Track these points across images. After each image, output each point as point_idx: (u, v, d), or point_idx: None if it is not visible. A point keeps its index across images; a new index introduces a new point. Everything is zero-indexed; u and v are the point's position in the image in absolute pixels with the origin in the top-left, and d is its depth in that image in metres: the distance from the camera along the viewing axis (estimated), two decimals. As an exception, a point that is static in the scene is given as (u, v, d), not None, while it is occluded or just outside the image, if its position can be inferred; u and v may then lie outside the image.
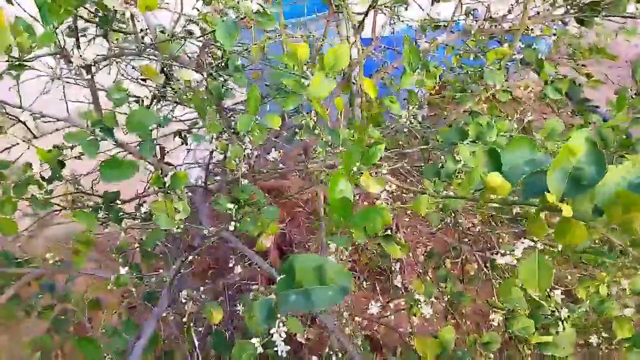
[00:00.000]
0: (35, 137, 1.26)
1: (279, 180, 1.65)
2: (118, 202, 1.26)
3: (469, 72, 1.65)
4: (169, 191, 1.15)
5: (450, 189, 1.04)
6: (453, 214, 1.26)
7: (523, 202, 0.76)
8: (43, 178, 1.52)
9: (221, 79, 1.33)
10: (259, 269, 1.60)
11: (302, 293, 0.58)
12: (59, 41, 1.09)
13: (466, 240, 1.33)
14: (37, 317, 1.89)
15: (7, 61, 0.87)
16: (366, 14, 0.89)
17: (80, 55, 1.07)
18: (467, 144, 1.09)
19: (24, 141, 1.21)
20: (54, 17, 0.93)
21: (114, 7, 0.93)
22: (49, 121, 1.36)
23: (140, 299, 1.32)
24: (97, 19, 1.14)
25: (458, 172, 1.05)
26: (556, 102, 2.24)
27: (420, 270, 1.47)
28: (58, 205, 1.28)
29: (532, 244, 1.19)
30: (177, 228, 0.94)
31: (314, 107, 1.17)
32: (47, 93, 1.53)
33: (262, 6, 0.92)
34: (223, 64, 1.61)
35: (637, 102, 1.46)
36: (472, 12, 2.01)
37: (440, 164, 1.28)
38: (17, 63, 0.90)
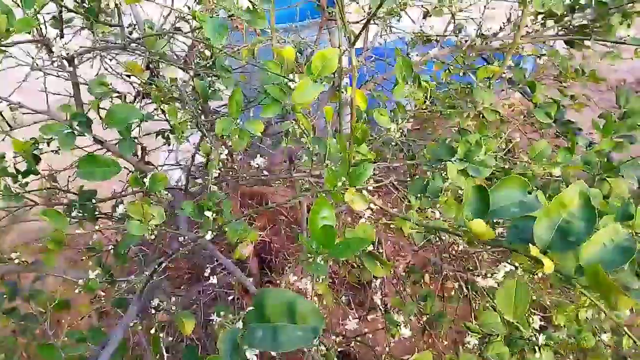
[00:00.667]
0: (11, 128, 1.21)
1: (263, 186, 1.62)
2: (94, 200, 1.21)
3: (457, 89, 1.64)
4: (147, 193, 1.11)
5: (435, 208, 1.03)
6: (436, 232, 1.24)
7: (506, 246, 0.75)
8: (18, 171, 1.46)
9: (208, 79, 1.29)
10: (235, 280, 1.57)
11: (270, 330, 0.55)
12: (41, 29, 1.05)
13: (448, 258, 1.32)
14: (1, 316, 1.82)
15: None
16: (364, 26, 0.87)
17: (64, 45, 1.03)
18: (455, 161, 1.08)
19: (0, 131, 1.15)
20: (34, 1, 0.89)
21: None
22: (27, 113, 1.30)
23: (110, 303, 1.27)
24: (82, 10, 1.10)
25: (444, 191, 1.03)
26: (541, 122, 2.26)
27: (400, 287, 1.45)
28: (30, 200, 1.22)
29: (512, 268, 1.18)
30: (150, 234, 0.90)
31: (297, 117, 1.14)
32: (25, 82, 1.48)
33: (252, 3, 0.90)
34: (211, 64, 1.58)
35: (620, 126, 1.48)
36: (462, 29, 2.02)
37: (426, 180, 1.27)
38: (-6, 49, 0.86)
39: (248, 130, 1.06)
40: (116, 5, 0.95)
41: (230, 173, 1.62)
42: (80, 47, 1.12)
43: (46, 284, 2.59)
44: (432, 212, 1.06)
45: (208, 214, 0.96)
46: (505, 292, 0.84)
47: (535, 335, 1.06)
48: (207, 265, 1.30)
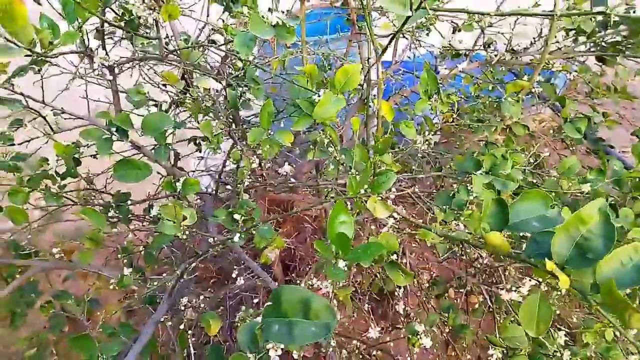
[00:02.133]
0: (54, 132, 1.28)
1: (290, 194, 1.65)
2: (129, 202, 1.27)
3: (485, 103, 1.65)
4: (179, 196, 1.15)
5: (460, 220, 1.03)
6: (461, 244, 1.24)
7: (525, 260, 0.75)
8: (57, 173, 1.54)
9: (240, 89, 1.34)
10: (261, 282, 1.60)
11: (286, 325, 0.58)
12: (84, 40, 1.11)
13: (472, 271, 1.32)
14: (38, 311, 1.90)
15: (28, 55, 0.88)
16: (392, 39, 0.89)
17: (105, 56, 1.09)
18: (481, 174, 1.08)
19: (44, 135, 1.22)
20: (77, 16, 0.95)
21: (137, 13, 0.95)
22: (69, 118, 1.37)
23: (140, 302, 1.32)
24: (122, 23, 1.16)
25: (469, 203, 1.04)
26: (571, 139, 2.23)
27: (424, 298, 1.45)
28: (70, 200, 1.28)
29: (536, 282, 1.17)
30: (182, 234, 0.94)
31: (325, 129, 1.17)
32: (68, 90, 1.56)
33: (281, 20, 0.93)
34: (242, 75, 1.63)
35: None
36: (491, 44, 2.02)
37: (452, 193, 1.28)
38: (38, 58, 0.92)
39: (278, 140, 1.09)
40: (155, 20, 1.01)
41: (259, 180, 1.66)
42: (121, 57, 1.18)
43: (77, 284, 2.69)
44: (455, 224, 1.07)
45: (237, 217, 0.99)
46: (528, 307, 0.84)
47: (559, 351, 1.05)
48: (235, 268, 1.33)
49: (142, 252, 1.61)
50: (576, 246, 0.67)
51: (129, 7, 0.95)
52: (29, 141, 1.37)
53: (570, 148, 2.33)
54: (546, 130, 2.17)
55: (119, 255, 1.60)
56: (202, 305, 1.12)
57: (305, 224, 1.96)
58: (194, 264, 1.03)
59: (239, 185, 1.10)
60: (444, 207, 1.09)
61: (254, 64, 1.39)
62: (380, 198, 0.79)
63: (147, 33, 1.22)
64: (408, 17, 0.81)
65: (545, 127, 2.68)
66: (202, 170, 1.93)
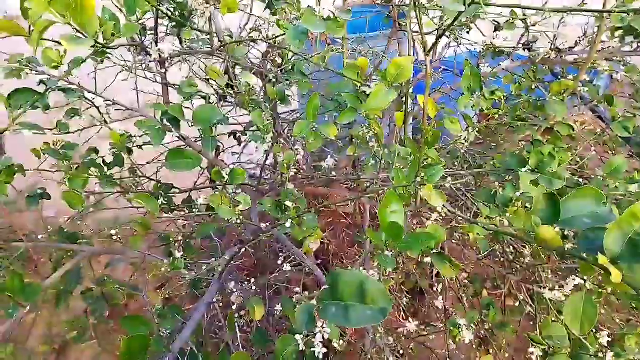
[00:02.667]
0: (106, 122, 1.33)
1: (328, 188, 1.67)
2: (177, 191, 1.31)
3: (528, 102, 1.63)
4: (218, 187, 1.19)
5: (505, 217, 1.03)
6: (502, 243, 1.24)
7: (576, 255, 0.75)
8: (105, 162, 1.60)
9: (286, 82, 1.37)
10: (299, 273, 1.62)
11: (342, 308, 0.60)
12: (139, 34, 1.15)
13: (512, 270, 1.31)
14: (79, 296, 1.98)
15: (92, 47, 0.92)
16: (440, 36, 0.90)
17: (158, 49, 1.13)
18: (527, 172, 1.08)
19: (100, 124, 1.27)
20: (138, 8, 0.99)
21: (193, 6, 0.98)
22: (119, 109, 1.43)
23: (182, 288, 1.36)
24: (175, 17, 1.20)
25: (516, 200, 1.04)
26: (613, 142, 2.18)
27: (462, 295, 1.45)
28: (123, 187, 1.34)
29: (581, 282, 1.16)
30: (237, 219, 0.97)
31: (371, 123, 1.19)
32: (118, 82, 1.62)
33: (333, 13, 0.95)
34: (283, 71, 1.66)
35: None
36: (534, 43, 1.99)
37: (493, 190, 1.27)
38: (100, 50, 0.96)
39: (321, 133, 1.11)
40: (210, 15, 1.04)
41: (298, 173, 1.68)
42: (173, 50, 1.22)
43: (117, 271, 2.77)
44: (500, 220, 1.06)
45: (289, 204, 1.02)
46: (572, 305, 0.84)
47: (602, 351, 1.03)
48: (275, 257, 1.36)
49: (182, 242, 1.66)
50: (629, 242, 0.67)
51: (183, 1, 0.99)
52: (81, 130, 1.43)
53: (612, 152, 2.27)
54: (587, 133, 2.12)
55: (161, 243, 1.66)
56: (244, 291, 1.15)
57: (340, 219, 1.98)
58: (242, 250, 1.06)
59: (283, 176, 1.12)
60: (487, 204, 1.09)
61: (298, 58, 1.41)
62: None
63: (194, 27, 1.25)
64: (460, 13, 0.82)
65: (586, 129, 2.62)
66: (245, 162, 1.97)
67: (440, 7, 1.59)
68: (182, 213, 1.59)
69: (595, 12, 1.21)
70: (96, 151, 1.61)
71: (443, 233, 0.82)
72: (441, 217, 1.03)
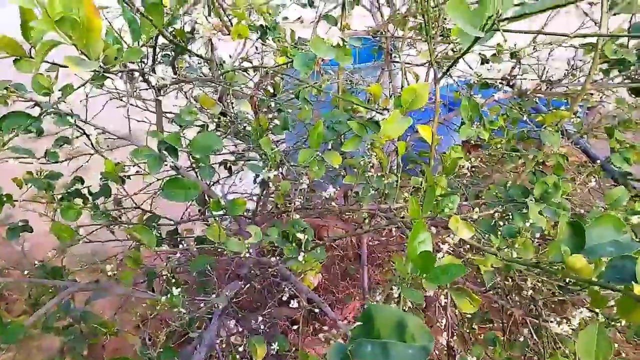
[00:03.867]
0: (96, 151, 1.28)
1: (325, 219, 1.63)
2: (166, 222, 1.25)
3: (520, 133, 1.65)
4: (206, 219, 1.14)
5: (513, 248, 1.01)
6: (513, 273, 1.22)
7: (604, 284, 0.73)
8: (90, 192, 1.53)
9: (279, 111, 1.35)
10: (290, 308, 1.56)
11: (380, 346, 0.55)
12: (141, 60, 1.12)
13: (518, 302, 1.28)
14: (53, 335, 1.86)
15: (93, 71, 0.88)
16: (450, 67, 0.89)
17: (160, 77, 1.10)
18: (532, 202, 1.07)
19: (92, 153, 1.22)
20: (143, 33, 0.96)
21: (201, 33, 0.96)
22: (110, 138, 1.38)
23: (169, 325, 1.28)
24: (178, 42, 1.17)
25: (524, 231, 1.02)
26: (598, 174, 2.21)
27: (466, 330, 1.41)
28: (116, 219, 1.27)
29: (590, 314, 1.14)
30: (247, 252, 0.92)
31: (376, 152, 1.17)
32: (107, 109, 1.57)
33: (343, 40, 0.94)
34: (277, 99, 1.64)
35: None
36: (513, 77, 2.04)
37: (493, 221, 1.26)
38: (101, 74, 0.92)
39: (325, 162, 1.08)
40: (211, 43, 1.02)
41: (290, 203, 1.64)
42: (173, 77, 1.19)
43: (95, 305, 2.64)
44: (508, 251, 1.04)
45: (300, 236, 0.97)
46: (585, 339, 0.81)
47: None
48: (276, 289, 1.30)
49: (169, 276, 1.59)
50: (662, 271, 0.66)
51: (197, 27, 0.96)
52: (70, 159, 1.37)
53: (598, 181, 2.31)
54: (572, 163, 2.16)
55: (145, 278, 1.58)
56: (241, 329, 1.09)
57: (332, 251, 1.93)
58: (244, 285, 1.00)
59: (279, 206, 1.08)
60: (494, 234, 1.07)
61: (293, 86, 1.39)
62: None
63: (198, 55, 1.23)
64: (477, 39, 0.81)
65: (570, 160, 2.66)
66: (238, 193, 1.92)
67: (445, 37, 1.61)
68: (178, 246, 1.53)
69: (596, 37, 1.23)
70: (81, 181, 1.54)
71: (461, 265, 0.79)
72: (451, 249, 1.00)
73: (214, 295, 1.05)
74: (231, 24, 1.07)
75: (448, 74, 2.10)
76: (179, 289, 1.00)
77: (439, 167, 1.38)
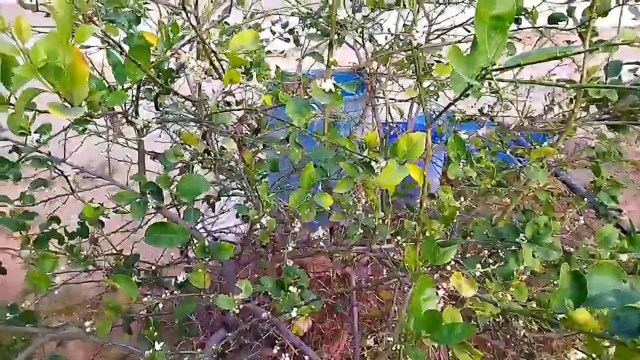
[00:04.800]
0: (73, 191, 1.23)
1: (312, 258, 1.60)
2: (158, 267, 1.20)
3: (497, 168, 1.66)
4: (188, 260, 1.10)
5: (508, 291, 1.00)
6: (505, 318, 1.20)
7: (610, 337, 0.72)
8: (67, 233, 1.47)
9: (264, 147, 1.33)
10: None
11: None
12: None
13: (510, 340, 1.26)
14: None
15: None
16: (446, 108, 0.88)
17: (144, 120, 1.06)
18: (525, 242, 1.06)
19: (68, 194, 1.17)
20: (128, 77, 0.93)
21: (192, 77, 0.94)
22: (88, 177, 1.33)
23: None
24: (158, 84, 1.15)
25: (519, 274, 1.01)
26: (579, 204, 2.24)
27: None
28: (94, 265, 1.21)
29: (584, 356, 1.12)
30: (236, 309, 0.88)
31: (369, 194, 1.15)
32: (88, 148, 1.52)
33: (336, 85, 0.93)
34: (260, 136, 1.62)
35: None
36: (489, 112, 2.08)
37: (483, 259, 1.25)
38: (84, 118, 0.88)
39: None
40: (199, 85, 0.99)
41: (275, 243, 1.61)
42: (157, 118, 1.16)
43: (69, 344, 2.51)
44: (502, 294, 1.03)
45: (293, 290, 0.94)
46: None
47: None
48: (262, 336, 1.25)
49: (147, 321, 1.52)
50: (666, 323, 0.65)
51: (188, 72, 0.94)
52: (46, 201, 1.31)
53: (579, 213, 2.34)
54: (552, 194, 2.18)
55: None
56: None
57: (319, 288, 1.89)
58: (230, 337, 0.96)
59: (274, 243, 1.05)
60: (491, 277, 1.05)
61: (277, 122, 1.38)
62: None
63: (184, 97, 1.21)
64: (470, 86, 0.81)
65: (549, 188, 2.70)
66: (220, 230, 1.87)
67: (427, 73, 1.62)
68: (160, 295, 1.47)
69: (573, 86, 1.25)
70: (57, 220, 1.48)
71: (459, 316, 0.77)
72: (447, 295, 0.98)
73: (198, 350, 1.00)
74: (221, 66, 1.05)
75: (428, 107, 2.13)
76: (162, 344, 0.94)
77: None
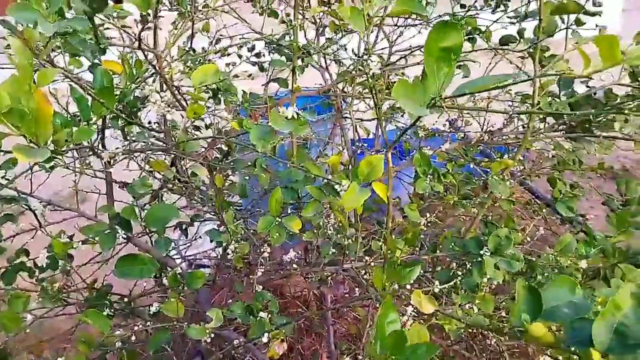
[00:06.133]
0: (41, 225, 1.22)
1: (285, 279, 1.61)
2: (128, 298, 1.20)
3: (471, 181, 1.71)
4: (173, 289, 1.10)
5: (474, 303, 1.03)
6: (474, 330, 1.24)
7: (566, 349, 0.75)
8: (36, 265, 1.45)
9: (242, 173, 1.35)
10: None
11: None
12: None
13: (481, 349, 1.30)
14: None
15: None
16: (402, 134, 0.92)
17: (110, 152, 1.07)
18: (487, 254, 1.10)
19: (35, 229, 1.16)
20: (93, 113, 0.94)
21: (157, 112, 0.96)
22: (56, 209, 1.32)
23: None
24: (124, 119, 1.16)
25: (483, 286, 1.05)
26: (542, 211, 2.32)
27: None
28: (65, 300, 1.20)
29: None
30: (208, 337, 0.89)
31: (337, 215, 1.18)
32: (54, 179, 1.51)
33: (298, 114, 0.96)
34: (230, 160, 1.64)
35: (626, 215, 1.53)
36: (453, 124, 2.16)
37: (452, 271, 1.29)
38: (50, 157, 0.89)
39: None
40: (164, 116, 1.01)
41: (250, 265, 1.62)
42: (124, 149, 1.17)
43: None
44: (469, 307, 1.06)
45: (264, 315, 0.95)
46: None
47: None
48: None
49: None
50: (615, 333, 0.68)
51: (151, 106, 0.96)
52: (14, 236, 1.30)
53: (544, 219, 2.42)
54: (518, 201, 2.26)
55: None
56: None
57: (296, 308, 1.90)
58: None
59: (248, 267, 1.07)
60: (457, 289, 1.09)
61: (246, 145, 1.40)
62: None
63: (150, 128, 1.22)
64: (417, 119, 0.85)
65: (517, 199, 2.79)
66: (200, 253, 1.87)
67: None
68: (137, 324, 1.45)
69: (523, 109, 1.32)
70: (27, 253, 1.46)
71: (427, 334, 0.80)
72: (415, 311, 1.01)
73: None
74: (184, 99, 1.07)
75: (395, 124, 2.19)
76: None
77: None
